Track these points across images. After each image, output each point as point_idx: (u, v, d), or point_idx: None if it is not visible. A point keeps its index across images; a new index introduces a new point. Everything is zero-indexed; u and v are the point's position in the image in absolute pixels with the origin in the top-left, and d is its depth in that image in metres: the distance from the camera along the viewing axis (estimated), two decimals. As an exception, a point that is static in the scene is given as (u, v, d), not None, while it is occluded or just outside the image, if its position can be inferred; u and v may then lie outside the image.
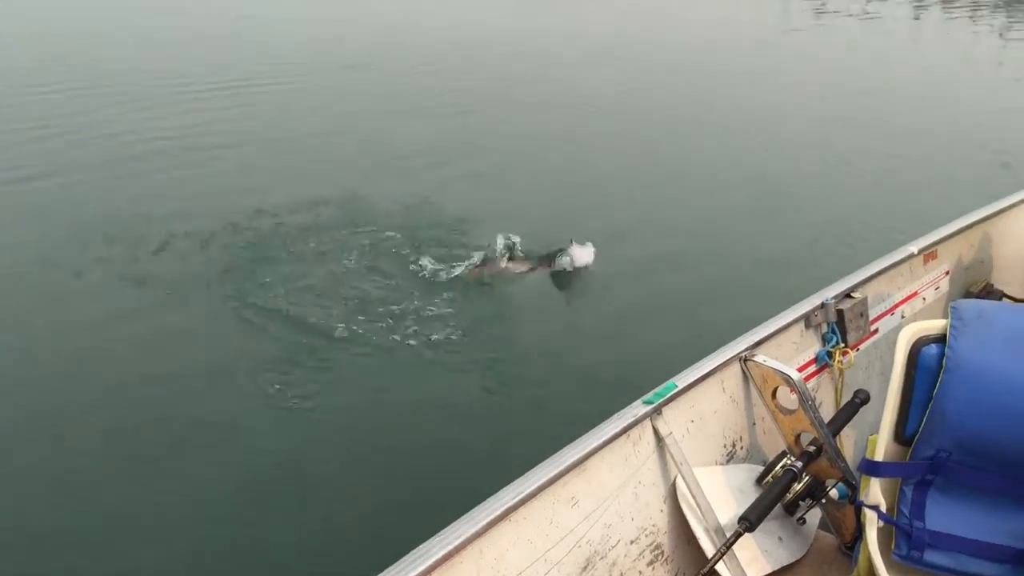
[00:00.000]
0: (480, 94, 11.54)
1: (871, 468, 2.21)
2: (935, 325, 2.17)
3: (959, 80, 12.69)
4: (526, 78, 12.47)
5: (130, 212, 7.26)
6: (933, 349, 2.13)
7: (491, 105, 10.97)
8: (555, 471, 2.04)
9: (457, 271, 6.16)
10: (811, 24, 17.21)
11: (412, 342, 5.22)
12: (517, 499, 1.95)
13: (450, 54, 14.60)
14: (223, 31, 16.36)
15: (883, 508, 2.19)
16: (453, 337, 5.28)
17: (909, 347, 2.15)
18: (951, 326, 2.12)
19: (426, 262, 6.31)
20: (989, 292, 3.87)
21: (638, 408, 2.31)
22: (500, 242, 6.39)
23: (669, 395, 2.38)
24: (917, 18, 17.54)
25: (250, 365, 5.00)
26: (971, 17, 18.07)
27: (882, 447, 2.19)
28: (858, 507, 2.27)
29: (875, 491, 2.20)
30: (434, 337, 5.28)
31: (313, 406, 4.64)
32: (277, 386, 4.78)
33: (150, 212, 7.21)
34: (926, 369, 2.13)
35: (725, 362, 2.57)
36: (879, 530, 2.19)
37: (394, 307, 5.63)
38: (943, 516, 2.19)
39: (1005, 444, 2.09)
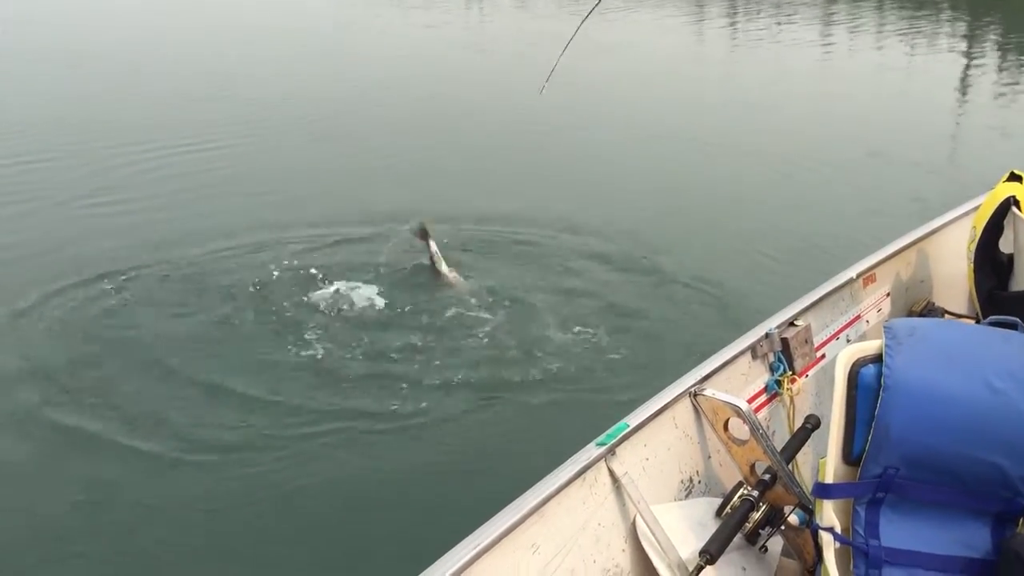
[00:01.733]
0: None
1: (823, 491, 2.25)
2: (872, 346, 2.23)
3: (876, 98, 12.99)
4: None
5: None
6: (871, 369, 2.19)
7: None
8: (512, 519, 2.05)
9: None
10: (725, 49, 17.58)
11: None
12: (475, 551, 1.95)
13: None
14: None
15: (838, 529, 2.22)
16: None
17: (848, 369, 2.21)
18: (886, 345, 2.19)
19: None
20: (931, 310, 3.96)
21: (591, 450, 2.33)
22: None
23: (621, 435, 2.41)
24: (827, 41, 18.03)
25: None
26: (878, 34, 18.63)
27: (831, 469, 2.24)
28: (814, 531, 2.31)
29: (829, 514, 2.23)
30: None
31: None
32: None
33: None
34: (866, 389, 2.19)
35: (675, 398, 2.61)
36: (836, 552, 2.22)
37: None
38: (897, 532, 2.23)
39: (948, 456, 2.14)
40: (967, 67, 15.39)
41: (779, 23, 20.65)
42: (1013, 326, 2.27)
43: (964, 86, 13.96)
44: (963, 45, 17.60)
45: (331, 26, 19.46)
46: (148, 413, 4.98)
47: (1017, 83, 13.98)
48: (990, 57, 16.25)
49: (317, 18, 20.50)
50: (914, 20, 20.67)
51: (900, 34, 18.81)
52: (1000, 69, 15.15)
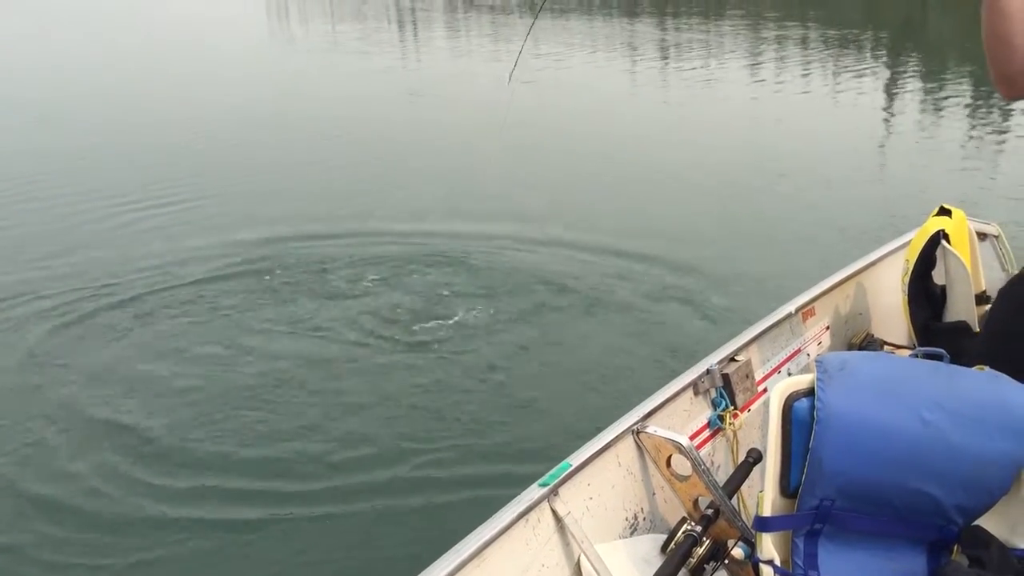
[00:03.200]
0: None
1: (761, 524, 2.28)
2: (805, 380, 2.28)
3: (804, 132, 13.27)
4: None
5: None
6: (804, 403, 2.24)
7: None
8: (451, 567, 2.04)
9: None
10: (657, 88, 17.84)
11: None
12: None
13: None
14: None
15: (778, 562, 2.25)
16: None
17: (782, 403, 2.25)
18: (817, 379, 2.24)
19: None
20: (870, 342, 4.05)
21: (534, 491, 2.34)
22: None
23: (564, 475, 2.42)
24: (756, 79, 18.41)
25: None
26: (803, 72, 19.08)
27: (769, 502, 2.27)
28: (755, 564, 2.34)
29: (769, 547, 2.26)
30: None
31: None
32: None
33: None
34: (800, 422, 2.23)
35: (618, 436, 2.63)
36: None
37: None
38: (836, 563, 2.27)
39: (882, 487, 2.19)
40: (889, 101, 15.80)
41: (709, 63, 21.06)
42: (940, 357, 2.33)
43: (888, 121, 14.30)
44: (884, 79, 18.06)
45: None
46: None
47: (939, 116, 14.36)
48: (911, 91, 16.69)
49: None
50: (838, 56, 21.19)
51: (825, 70, 19.26)
52: (922, 102, 15.58)
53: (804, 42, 23.88)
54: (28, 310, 6.92)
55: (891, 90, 16.72)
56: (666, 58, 21.68)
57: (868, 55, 21.60)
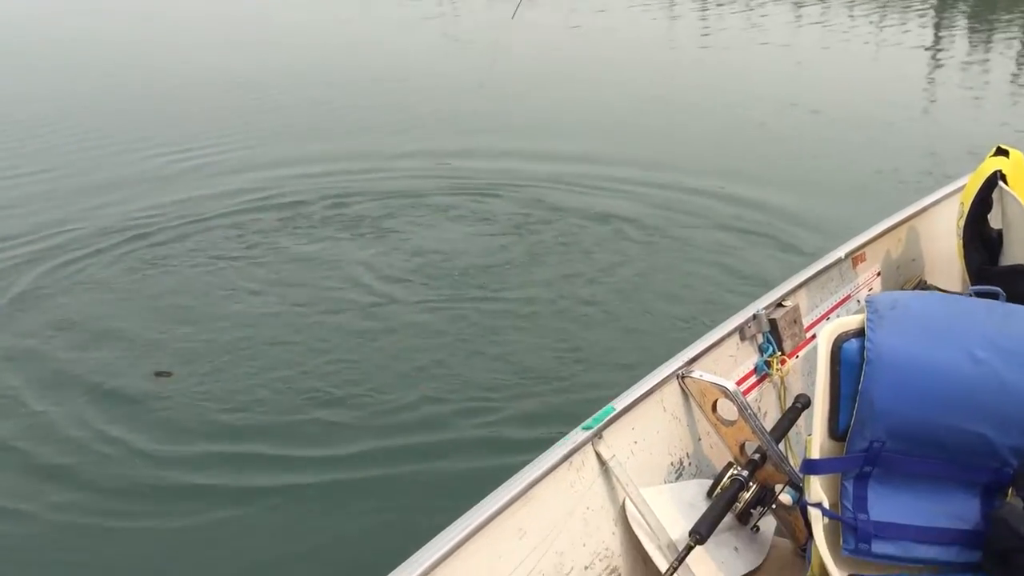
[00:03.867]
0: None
1: (810, 467, 2.25)
2: (854, 320, 2.23)
3: (860, 79, 12.90)
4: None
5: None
6: (854, 343, 2.19)
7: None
8: (498, 504, 2.05)
9: None
10: (698, 31, 17.51)
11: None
12: (462, 536, 1.95)
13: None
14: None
15: (827, 505, 2.22)
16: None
17: (830, 344, 2.21)
18: (868, 319, 2.19)
19: None
20: (922, 288, 3.96)
21: (578, 435, 2.33)
22: None
23: (608, 419, 2.41)
24: (798, 21, 17.97)
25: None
26: (850, 16, 18.58)
27: (817, 445, 2.24)
28: (803, 507, 2.31)
29: (817, 490, 2.23)
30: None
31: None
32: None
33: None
34: (849, 363, 2.19)
35: (662, 380, 2.61)
36: (826, 527, 2.22)
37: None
38: (885, 505, 2.23)
39: (933, 428, 2.14)
40: (937, 44, 15.35)
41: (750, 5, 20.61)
42: (995, 296, 2.27)
43: (938, 63, 13.90)
44: (932, 24, 17.52)
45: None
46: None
47: (988, 58, 13.90)
48: (960, 34, 16.16)
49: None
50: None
51: (871, 12, 18.72)
52: (971, 42, 15.09)
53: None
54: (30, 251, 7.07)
55: (939, 30, 16.24)
56: (706, 6, 21.25)
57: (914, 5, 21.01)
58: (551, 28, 16.87)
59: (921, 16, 18.04)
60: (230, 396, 4.96)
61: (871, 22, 17.29)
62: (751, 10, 19.73)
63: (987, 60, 13.77)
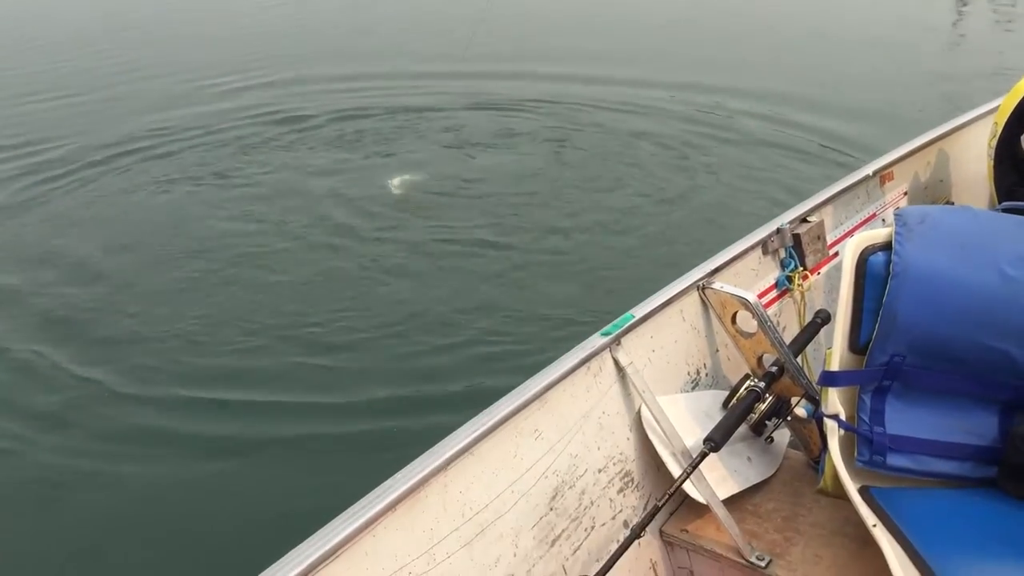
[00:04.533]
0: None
1: (829, 379, 2.24)
2: (881, 233, 2.20)
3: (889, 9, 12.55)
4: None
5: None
6: (880, 257, 2.17)
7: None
8: (515, 404, 2.06)
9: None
10: None
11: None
12: (478, 433, 1.97)
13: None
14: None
15: (843, 417, 2.22)
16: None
17: (856, 256, 2.18)
18: (896, 232, 2.16)
19: None
20: (950, 209, 3.90)
21: (596, 340, 2.33)
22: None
23: (627, 326, 2.40)
24: None
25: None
26: None
27: (837, 357, 2.23)
28: (819, 419, 2.31)
29: (834, 402, 2.23)
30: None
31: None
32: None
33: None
34: (875, 277, 2.16)
35: (683, 291, 2.59)
36: (841, 439, 2.22)
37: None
38: (902, 420, 2.23)
39: (955, 343, 2.13)
40: None
41: None
42: None
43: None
44: None
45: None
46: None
47: None
48: None
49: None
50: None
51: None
52: None
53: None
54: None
55: None
56: None
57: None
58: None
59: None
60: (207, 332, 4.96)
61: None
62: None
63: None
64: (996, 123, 3.50)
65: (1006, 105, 3.44)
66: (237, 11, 13.01)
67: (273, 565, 1.63)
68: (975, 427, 2.21)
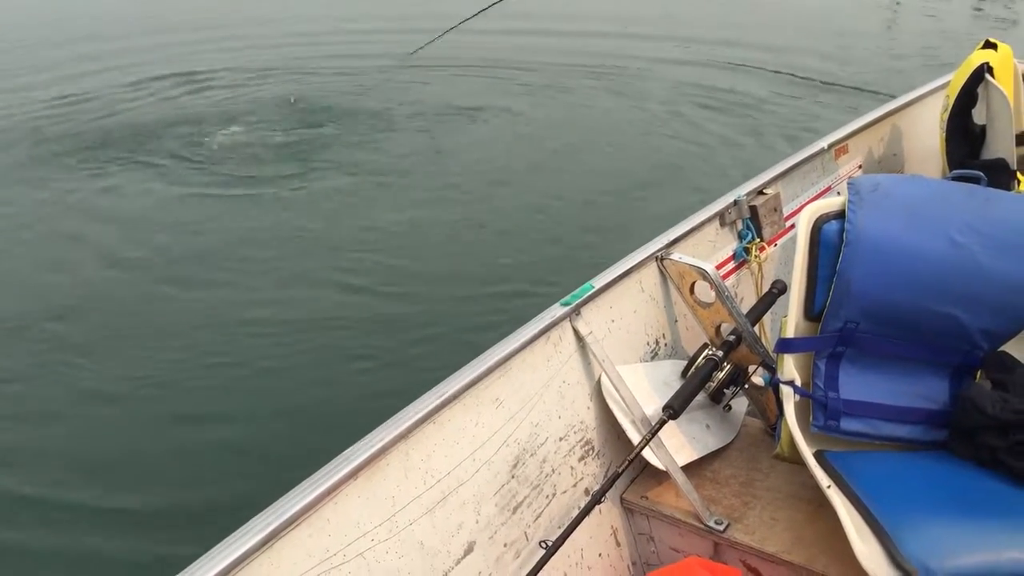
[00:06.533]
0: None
1: (784, 346, 2.28)
2: (835, 202, 2.24)
3: None
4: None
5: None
6: (834, 225, 2.21)
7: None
8: (476, 373, 2.07)
9: None
10: None
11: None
12: (439, 401, 1.98)
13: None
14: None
15: (798, 383, 2.26)
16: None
17: (811, 225, 2.22)
18: (849, 200, 2.19)
19: None
20: (903, 183, 3.96)
21: (556, 310, 2.34)
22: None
23: (586, 296, 2.42)
24: None
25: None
26: None
27: (792, 325, 2.27)
28: (776, 386, 2.34)
29: (790, 368, 2.27)
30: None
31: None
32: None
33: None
34: (828, 245, 2.20)
35: (641, 262, 2.61)
36: (796, 405, 2.26)
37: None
38: (856, 385, 2.28)
39: (908, 310, 2.17)
40: None
41: None
42: (976, 180, 2.27)
43: None
44: None
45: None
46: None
47: None
48: None
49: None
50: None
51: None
52: None
53: None
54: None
55: None
56: None
57: None
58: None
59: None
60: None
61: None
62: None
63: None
64: (948, 96, 3.57)
65: (957, 78, 3.51)
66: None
67: (234, 532, 1.63)
68: (926, 391, 2.26)
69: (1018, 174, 3.50)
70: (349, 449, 1.84)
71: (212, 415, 3.99)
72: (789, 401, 2.25)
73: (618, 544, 2.42)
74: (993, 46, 3.54)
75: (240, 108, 8.08)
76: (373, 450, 1.83)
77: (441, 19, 9.14)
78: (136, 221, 5.92)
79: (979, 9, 9.97)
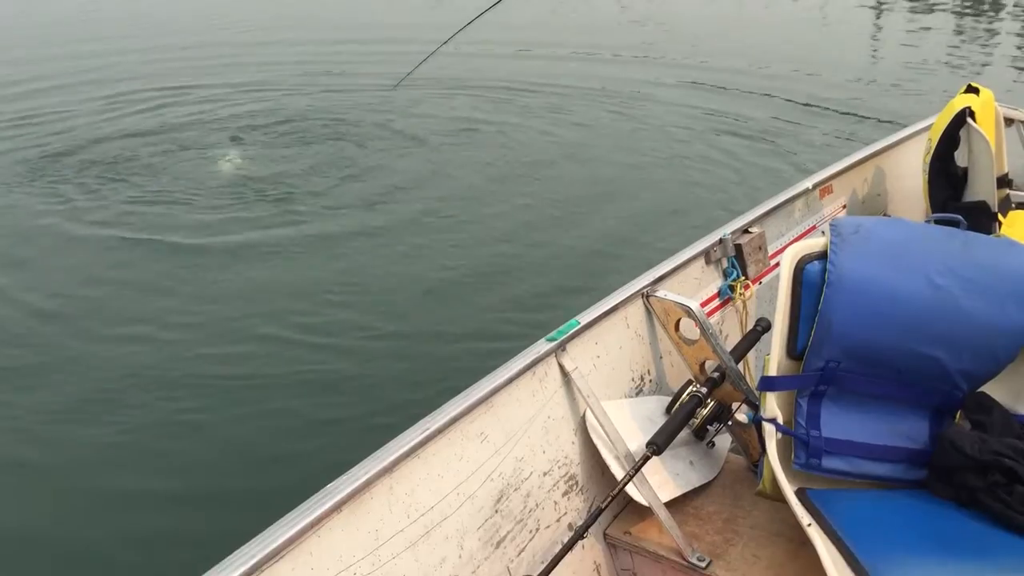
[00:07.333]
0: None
1: (767, 383, 2.30)
2: (817, 243, 2.28)
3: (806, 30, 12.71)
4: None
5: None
6: (816, 266, 2.24)
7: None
8: (461, 407, 2.09)
9: None
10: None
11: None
12: (424, 435, 1.99)
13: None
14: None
15: (781, 421, 2.28)
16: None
17: (793, 265, 2.25)
18: (831, 242, 2.23)
19: None
20: (887, 223, 4.01)
21: (542, 346, 2.36)
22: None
23: (572, 331, 2.44)
24: None
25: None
26: None
27: (775, 363, 2.29)
28: (759, 423, 2.37)
29: (773, 406, 2.29)
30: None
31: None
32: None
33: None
34: (811, 285, 2.24)
35: (627, 298, 2.64)
36: (779, 442, 2.28)
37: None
38: (837, 423, 2.30)
39: (889, 351, 2.20)
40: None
41: None
42: (956, 223, 2.31)
43: (879, 14, 13.78)
44: None
45: None
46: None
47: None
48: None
49: None
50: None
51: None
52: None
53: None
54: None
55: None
56: None
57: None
58: None
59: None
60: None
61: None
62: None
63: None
64: (930, 139, 3.63)
65: (940, 122, 3.57)
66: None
67: (217, 565, 1.63)
68: (906, 431, 2.29)
69: (999, 216, 3.56)
70: (333, 482, 1.84)
71: (198, 446, 3.96)
72: (771, 439, 2.27)
73: None
74: (975, 91, 3.61)
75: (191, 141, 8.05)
76: (357, 483, 1.84)
77: (416, 44, 9.34)
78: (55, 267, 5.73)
79: (955, 48, 10.14)
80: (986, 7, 13.98)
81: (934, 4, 14.06)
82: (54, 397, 4.31)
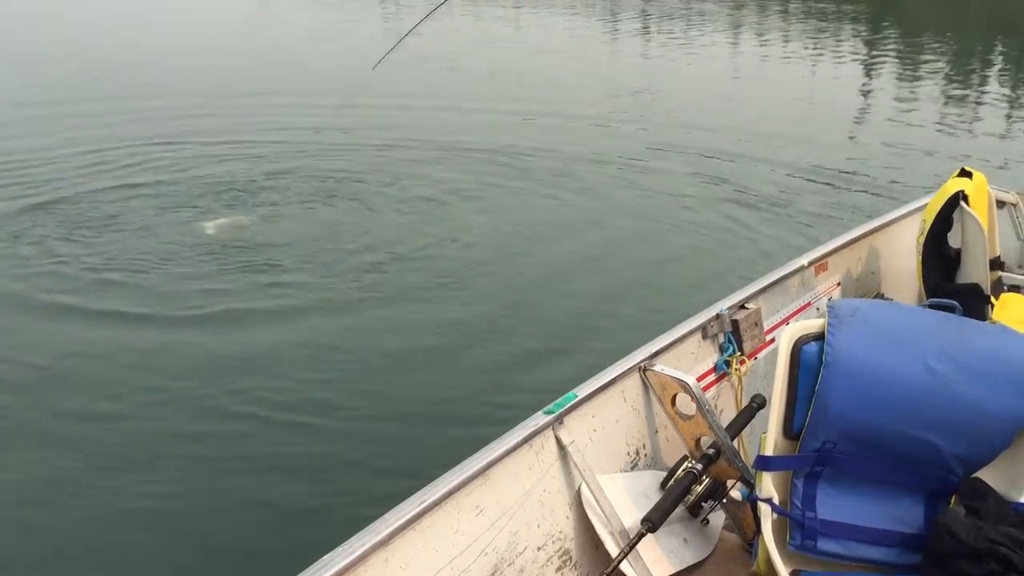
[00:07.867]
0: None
1: (763, 463, 2.31)
2: (815, 324, 2.29)
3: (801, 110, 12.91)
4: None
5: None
6: (813, 346, 2.25)
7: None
8: (457, 480, 2.08)
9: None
10: (638, 53, 17.64)
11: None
12: (420, 508, 1.99)
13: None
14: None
15: (776, 501, 2.28)
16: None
17: (791, 345, 2.27)
18: (828, 323, 2.25)
19: None
20: (880, 301, 4.05)
21: (539, 418, 2.37)
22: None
23: (569, 405, 2.45)
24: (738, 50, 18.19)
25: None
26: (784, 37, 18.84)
27: (772, 443, 2.30)
28: (754, 503, 2.36)
29: (768, 486, 2.29)
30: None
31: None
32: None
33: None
34: (808, 366, 2.25)
35: (624, 372, 2.66)
36: (774, 523, 2.28)
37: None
38: (833, 505, 2.30)
39: (885, 434, 2.21)
40: (868, 72, 15.56)
41: (689, 30, 20.76)
42: (951, 309, 2.34)
43: (869, 92, 14.04)
44: (863, 55, 17.67)
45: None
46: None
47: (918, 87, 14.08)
48: (891, 65, 16.42)
49: None
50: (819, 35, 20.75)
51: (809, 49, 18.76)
52: (901, 77, 15.25)
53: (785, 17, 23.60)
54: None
55: (869, 66, 16.37)
56: (647, 30, 21.41)
57: (847, 30, 21.25)
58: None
59: (854, 51, 18.14)
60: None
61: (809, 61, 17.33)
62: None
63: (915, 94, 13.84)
64: (924, 220, 3.68)
65: (933, 204, 3.63)
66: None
67: None
68: (902, 515, 2.29)
69: (991, 299, 3.59)
70: (328, 555, 1.83)
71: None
72: (767, 519, 2.27)
73: None
74: (968, 174, 3.67)
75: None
76: (352, 556, 1.83)
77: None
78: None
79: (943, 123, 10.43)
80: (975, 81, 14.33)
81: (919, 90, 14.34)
82: (10, 475, 4.05)
